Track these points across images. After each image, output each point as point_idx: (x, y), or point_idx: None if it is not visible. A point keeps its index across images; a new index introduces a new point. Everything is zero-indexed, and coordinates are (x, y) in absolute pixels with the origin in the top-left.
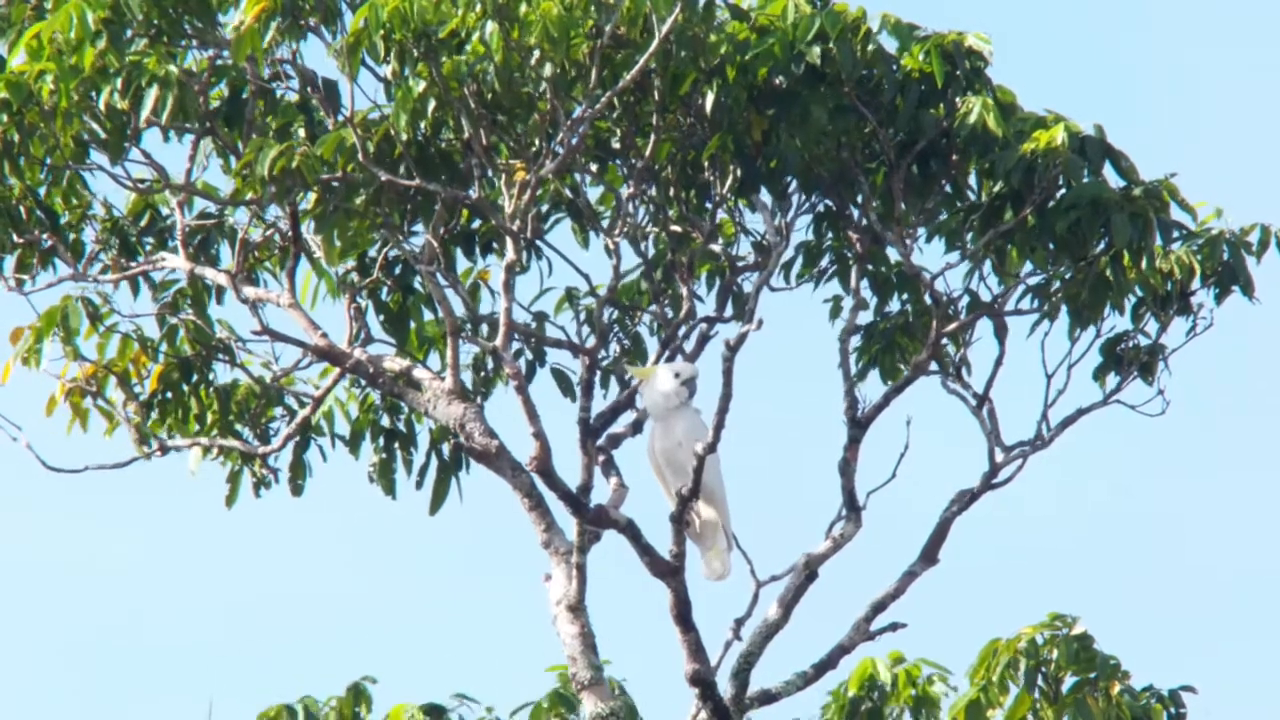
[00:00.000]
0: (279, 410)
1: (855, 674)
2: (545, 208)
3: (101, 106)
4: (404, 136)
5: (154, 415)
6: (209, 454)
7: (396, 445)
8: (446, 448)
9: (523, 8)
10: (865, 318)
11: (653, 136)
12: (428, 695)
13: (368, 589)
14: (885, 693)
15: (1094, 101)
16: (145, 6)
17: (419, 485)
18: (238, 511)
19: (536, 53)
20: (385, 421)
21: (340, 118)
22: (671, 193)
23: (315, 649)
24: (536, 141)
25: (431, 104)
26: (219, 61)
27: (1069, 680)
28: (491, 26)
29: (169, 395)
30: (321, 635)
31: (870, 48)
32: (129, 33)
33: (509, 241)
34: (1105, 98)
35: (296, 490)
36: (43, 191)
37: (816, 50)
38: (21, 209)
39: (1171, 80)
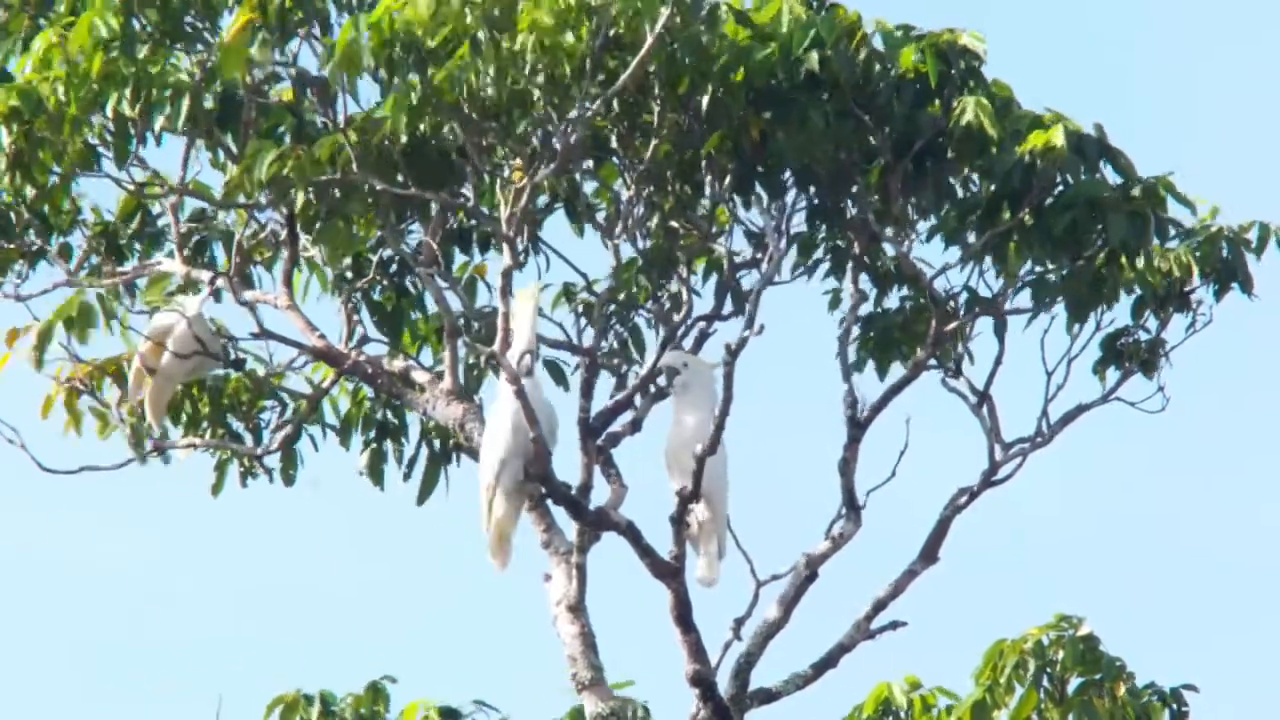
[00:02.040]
0: (270, 402)
1: (870, 697)
2: (543, 201)
3: (109, 113)
4: (400, 140)
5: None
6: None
7: (388, 438)
8: (438, 440)
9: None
10: (865, 309)
11: (653, 140)
12: (428, 695)
13: (368, 585)
14: (900, 718)
15: (1092, 100)
16: (157, 14)
17: (406, 477)
18: (234, 505)
19: (529, 61)
20: (379, 415)
21: (336, 120)
22: (669, 190)
23: (318, 643)
24: (533, 141)
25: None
26: (210, 64)
27: (1074, 681)
28: (483, 35)
29: None
30: (323, 629)
31: (866, 51)
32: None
33: (505, 247)
34: (1104, 96)
35: (289, 480)
36: (32, 194)
37: (814, 56)
38: (12, 215)
39: (1170, 79)
